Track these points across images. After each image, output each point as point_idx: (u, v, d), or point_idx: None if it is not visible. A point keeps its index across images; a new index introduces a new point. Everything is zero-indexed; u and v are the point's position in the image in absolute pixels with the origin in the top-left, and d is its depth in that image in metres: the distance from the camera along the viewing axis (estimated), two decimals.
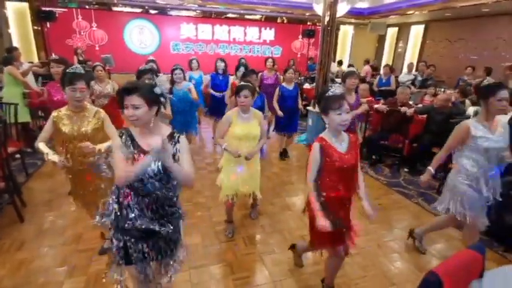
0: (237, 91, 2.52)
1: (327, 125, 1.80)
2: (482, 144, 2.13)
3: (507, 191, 2.72)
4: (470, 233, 2.42)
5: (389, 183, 4.13)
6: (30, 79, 5.01)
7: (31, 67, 5.06)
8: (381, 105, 4.64)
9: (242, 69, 4.49)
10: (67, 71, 2.09)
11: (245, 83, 2.55)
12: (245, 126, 2.54)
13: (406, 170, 4.55)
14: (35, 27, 8.27)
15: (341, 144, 1.80)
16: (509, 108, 2.47)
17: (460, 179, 2.26)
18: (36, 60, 8.13)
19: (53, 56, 3.41)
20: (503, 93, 2.06)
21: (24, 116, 4.30)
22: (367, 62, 10.21)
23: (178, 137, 1.56)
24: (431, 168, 2.36)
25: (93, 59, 7.71)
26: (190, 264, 2.41)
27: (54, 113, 2.12)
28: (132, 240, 1.52)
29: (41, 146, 2.10)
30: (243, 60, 6.03)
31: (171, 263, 1.71)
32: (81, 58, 7.50)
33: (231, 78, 5.17)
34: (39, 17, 8.16)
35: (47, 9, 8.21)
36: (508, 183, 2.75)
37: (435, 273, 1.06)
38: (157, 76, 3.47)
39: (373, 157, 4.83)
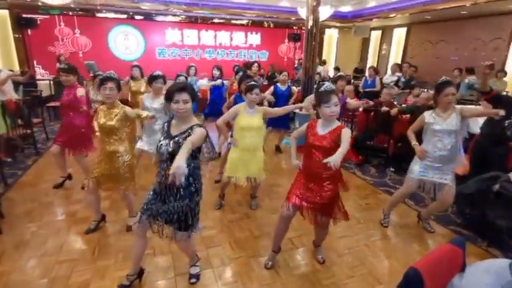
0: (249, 89, 2.91)
1: (320, 115, 2.18)
2: (433, 127, 2.68)
3: (488, 186, 2.79)
4: (434, 205, 2.97)
5: (376, 183, 4.17)
6: (8, 87, 4.87)
7: (9, 76, 4.92)
8: (367, 103, 4.71)
9: (241, 73, 4.80)
10: (103, 75, 2.60)
11: (256, 83, 2.97)
12: (249, 119, 2.94)
13: (392, 169, 4.60)
14: (16, 35, 8.09)
15: (324, 130, 2.16)
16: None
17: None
18: (17, 67, 7.95)
19: (61, 65, 3.50)
20: (448, 90, 2.58)
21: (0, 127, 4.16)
22: (323, 63, 10.24)
23: (196, 127, 1.88)
24: (416, 143, 2.80)
25: (76, 66, 7.57)
26: (176, 271, 2.36)
27: (99, 105, 2.66)
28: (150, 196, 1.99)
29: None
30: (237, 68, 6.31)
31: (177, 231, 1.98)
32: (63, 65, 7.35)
33: (226, 83, 5.32)
34: (20, 24, 8.00)
35: (28, 16, 8.05)
36: (489, 178, 2.82)
37: (415, 268, 1.06)
38: (165, 82, 3.56)
39: (360, 157, 4.87)
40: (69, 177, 3.78)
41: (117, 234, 2.82)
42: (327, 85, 2.17)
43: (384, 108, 4.39)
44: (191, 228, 2.00)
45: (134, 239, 2.13)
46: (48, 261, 2.44)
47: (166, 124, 1.99)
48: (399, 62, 9.73)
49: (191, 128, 1.88)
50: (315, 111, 3.80)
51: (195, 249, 2.32)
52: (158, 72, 3.48)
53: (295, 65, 10.68)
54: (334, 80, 3.96)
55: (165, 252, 2.58)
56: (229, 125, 3.38)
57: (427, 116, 2.74)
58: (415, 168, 2.81)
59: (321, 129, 2.17)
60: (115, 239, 2.75)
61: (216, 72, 5.19)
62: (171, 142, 1.85)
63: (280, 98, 4.80)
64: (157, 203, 1.95)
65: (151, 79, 3.45)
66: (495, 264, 1.10)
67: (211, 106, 5.17)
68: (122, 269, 2.33)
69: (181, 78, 4.46)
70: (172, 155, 1.82)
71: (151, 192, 2.00)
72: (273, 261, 2.45)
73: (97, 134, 2.67)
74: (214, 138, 5.78)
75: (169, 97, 1.84)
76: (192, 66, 6.14)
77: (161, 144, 1.88)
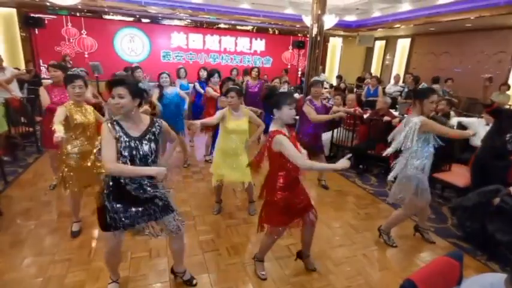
0: (225, 93, 2.97)
1: (283, 118, 2.06)
2: (430, 136, 2.57)
3: (489, 199, 2.77)
4: (422, 212, 2.92)
5: (376, 193, 4.15)
6: (14, 86, 4.91)
7: (15, 75, 4.96)
8: (365, 115, 4.71)
9: (216, 75, 4.62)
10: (68, 73, 2.60)
11: (233, 86, 3.00)
12: (235, 122, 2.97)
13: (392, 179, 4.57)
14: (23, 34, 8.18)
15: (289, 133, 2.10)
16: None
17: (412, 170, 2.62)
18: (23, 66, 8.02)
19: (52, 61, 3.47)
20: (434, 97, 2.52)
21: (1, 126, 4.18)
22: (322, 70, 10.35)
23: (159, 121, 1.90)
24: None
25: (81, 66, 7.62)
26: (172, 276, 2.34)
27: (62, 106, 2.49)
28: (122, 208, 1.82)
29: (57, 126, 2.29)
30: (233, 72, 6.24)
31: (170, 220, 2.01)
32: (68, 65, 7.41)
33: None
34: (28, 23, 8.08)
35: (36, 15, 8.14)
36: (490, 191, 2.80)
37: (411, 280, 1.05)
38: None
39: (360, 166, 4.86)
40: None
41: None
42: (285, 88, 2.18)
43: (386, 118, 4.38)
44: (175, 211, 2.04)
45: (107, 254, 2.01)
46: (44, 260, 2.44)
47: (116, 125, 1.74)
48: (403, 72, 9.77)
49: (154, 121, 1.87)
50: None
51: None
52: (121, 72, 3.48)
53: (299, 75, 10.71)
54: (309, 86, 3.87)
55: (162, 254, 2.57)
56: (210, 128, 3.38)
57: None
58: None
59: (288, 134, 2.09)
60: None
61: (204, 73, 5.09)
62: (146, 141, 1.78)
63: None
64: (132, 210, 1.84)
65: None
66: (491, 278, 1.08)
67: (196, 108, 5.12)
68: None
69: (164, 76, 4.13)
70: (149, 155, 1.79)
71: (117, 205, 1.80)
72: (265, 269, 2.43)
73: (58, 134, 2.32)
74: (202, 140, 5.82)
75: (108, 90, 1.73)
76: (181, 68, 5.67)
77: (136, 147, 1.74)
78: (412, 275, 1.09)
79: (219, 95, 3.91)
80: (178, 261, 2.23)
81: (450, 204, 3.16)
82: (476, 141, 3.99)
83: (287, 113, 2.02)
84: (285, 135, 2.01)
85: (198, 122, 2.72)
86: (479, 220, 2.83)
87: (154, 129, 1.85)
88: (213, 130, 3.45)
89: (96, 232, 2.84)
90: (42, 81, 8.17)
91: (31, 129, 4.81)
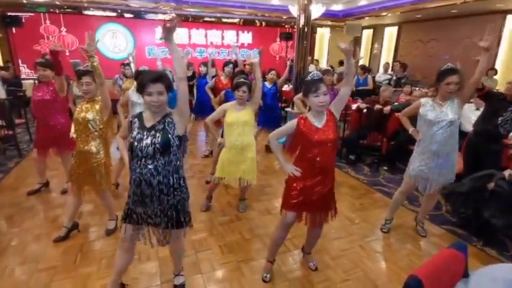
0: (236, 86, 2.82)
1: (310, 106, 2.01)
2: (428, 117, 2.50)
3: (483, 184, 2.74)
4: (425, 204, 2.91)
5: (370, 182, 4.11)
6: None
7: None
8: (361, 104, 4.66)
9: (231, 66, 4.61)
10: (77, 69, 2.60)
11: (244, 80, 2.86)
12: (236, 114, 2.84)
13: (385, 168, 4.55)
14: (0, 34, 7.84)
15: (320, 122, 1.96)
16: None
17: (417, 149, 2.65)
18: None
19: (39, 59, 3.27)
20: (451, 78, 2.37)
21: None
22: (317, 61, 10.45)
23: (171, 114, 1.74)
24: (414, 129, 2.69)
25: (62, 65, 7.34)
26: (164, 278, 2.24)
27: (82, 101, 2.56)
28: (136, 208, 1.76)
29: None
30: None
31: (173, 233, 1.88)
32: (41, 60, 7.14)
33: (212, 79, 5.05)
34: (5, 22, 7.75)
35: (13, 14, 7.80)
36: (484, 176, 2.77)
37: (416, 276, 0.98)
38: None
39: (352, 157, 4.81)
40: (47, 184, 3.62)
41: (100, 239, 2.69)
42: (314, 73, 2.01)
43: (377, 107, 4.33)
44: (183, 225, 1.85)
45: (118, 252, 1.91)
46: (27, 269, 2.31)
47: (136, 118, 1.73)
48: (391, 61, 9.76)
49: (168, 114, 1.71)
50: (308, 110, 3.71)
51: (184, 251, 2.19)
52: (144, 67, 3.37)
53: (288, 63, 10.59)
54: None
55: (152, 258, 2.46)
56: (219, 123, 3.26)
57: (423, 103, 2.57)
58: (415, 166, 2.64)
59: (318, 123, 1.95)
60: (98, 244, 2.62)
61: (203, 69, 5.07)
62: (153, 132, 1.64)
63: (267, 97, 4.77)
64: (138, 207, 1.75)
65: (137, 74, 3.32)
66: (502, 270, 1.02)
67: (198, 104, 5.07)
68: (104, 277, 2.21)
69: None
70: (158, 148, 1.63)
71: (129, 200, 1.78)
72: (270, 273, 2.29)
73: (72, 134, 2.53)
74: (202, 137, 5.73)
75: (141, 88, 1.62)
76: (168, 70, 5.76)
77: (139, 139, 1.65)
78: (416, 271, 1.02)
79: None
80: (174, 262, 2.16)
81: (444, 191, 3.12)
82: (467, 127, 3.98)
83: (312, 100, 1.95)
84: (304, 120, 1.98)
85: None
86: (474, 206, 2.81)
87: (168, 118, 1.73)
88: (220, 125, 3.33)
89: (82, 237, 2.71)
90: (23, 81, 7.89)
91: (11, 132, 4.58)
